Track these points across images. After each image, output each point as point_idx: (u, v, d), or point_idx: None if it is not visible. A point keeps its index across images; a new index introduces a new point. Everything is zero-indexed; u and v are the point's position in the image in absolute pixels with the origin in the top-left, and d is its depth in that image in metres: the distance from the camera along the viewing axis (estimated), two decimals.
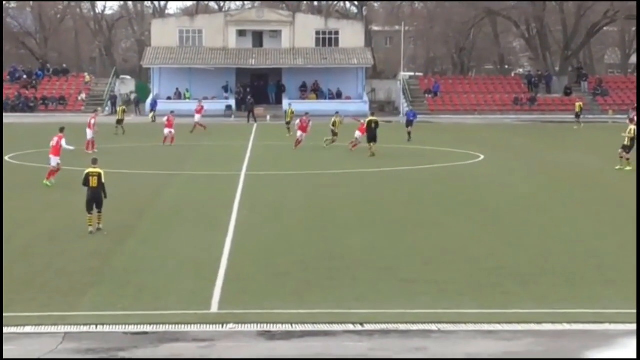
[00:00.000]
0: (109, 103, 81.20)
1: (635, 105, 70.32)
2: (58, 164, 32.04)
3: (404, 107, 78.69)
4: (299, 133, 46.47)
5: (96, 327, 14.90)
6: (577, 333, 14.75)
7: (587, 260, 20.08)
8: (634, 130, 37.58)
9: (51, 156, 32.21)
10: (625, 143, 37.32)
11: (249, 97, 78.52)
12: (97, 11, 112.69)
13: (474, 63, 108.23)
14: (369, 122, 43.52)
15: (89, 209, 22.73)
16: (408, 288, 17.43)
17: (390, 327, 14.89)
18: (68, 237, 22.27)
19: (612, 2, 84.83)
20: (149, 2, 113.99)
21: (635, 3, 77.67)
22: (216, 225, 24.18)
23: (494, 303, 16.44)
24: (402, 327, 14.91)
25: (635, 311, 15.56)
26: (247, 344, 14.17)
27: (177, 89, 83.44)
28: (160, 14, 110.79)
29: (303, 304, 16.29)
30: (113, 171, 31.53)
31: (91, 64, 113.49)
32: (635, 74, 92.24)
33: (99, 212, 22.85)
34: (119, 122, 56.69)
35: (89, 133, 44.53)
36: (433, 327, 14.94)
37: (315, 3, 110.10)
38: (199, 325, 15.00)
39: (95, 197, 22.74)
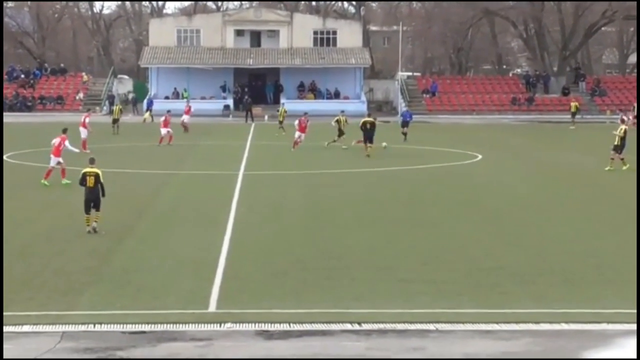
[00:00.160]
0: (107, 102, 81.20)
1: (632, 107, 70.33)
2: (59, 164, 32.05)
3: (401, 107, 78.68)
4: (297, 134, 46.22)
5: (94, 326, 14.88)
6: (575, 333, 14.74)
7: (586, 260, 20.07)
8: (624, 130, 37.82)
9: (52, 156, 32.24)
10: (616, 143, 37.42)
11: (246, 97, 78.56)
12: (94, 11, 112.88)
13: (472, 63, 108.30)
14: (364, 123, 43.34)
15: (87, 209, 22.69)
16: (406, 288, 17.42)
17: (388, 326, 14.87)
18: (66, 236, 22.25)
19: (610, 2, 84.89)
20: (147, 2, 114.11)
21: (633, 3, 77.75)
22: (214, 224, 24.17)
23: (492, 303, 16.43)
24: (399, 326, 14.90)
25: (635, 311, 15.54)
26: (245, 343, 14.16)
27: (175, 88, 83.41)
28: (158, 13, 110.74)
29: (301, 303, 16.28)
30: (111, 170, 31.51)
31: (89, 63, 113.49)
32: (634, 74, 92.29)
33: (97, 211, 22.81)
34: (115, 121, 56.78)
35: (83, 132, 44.52)
36: (431, 326, 14.92)
37: (313, 3, 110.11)
38: (196, 324, 14.99)
39: (93, 197, 22.70)
